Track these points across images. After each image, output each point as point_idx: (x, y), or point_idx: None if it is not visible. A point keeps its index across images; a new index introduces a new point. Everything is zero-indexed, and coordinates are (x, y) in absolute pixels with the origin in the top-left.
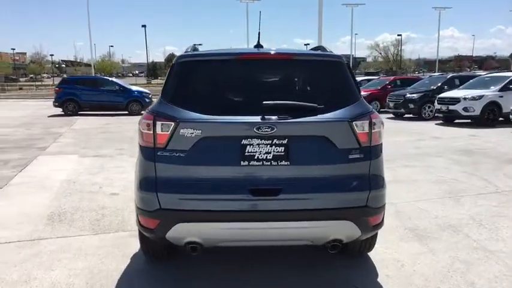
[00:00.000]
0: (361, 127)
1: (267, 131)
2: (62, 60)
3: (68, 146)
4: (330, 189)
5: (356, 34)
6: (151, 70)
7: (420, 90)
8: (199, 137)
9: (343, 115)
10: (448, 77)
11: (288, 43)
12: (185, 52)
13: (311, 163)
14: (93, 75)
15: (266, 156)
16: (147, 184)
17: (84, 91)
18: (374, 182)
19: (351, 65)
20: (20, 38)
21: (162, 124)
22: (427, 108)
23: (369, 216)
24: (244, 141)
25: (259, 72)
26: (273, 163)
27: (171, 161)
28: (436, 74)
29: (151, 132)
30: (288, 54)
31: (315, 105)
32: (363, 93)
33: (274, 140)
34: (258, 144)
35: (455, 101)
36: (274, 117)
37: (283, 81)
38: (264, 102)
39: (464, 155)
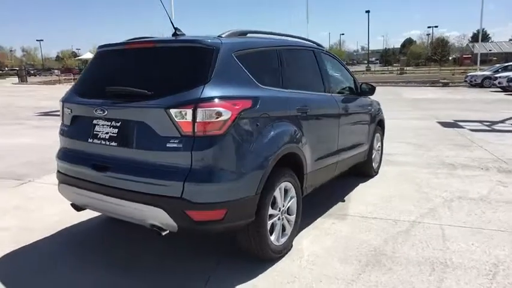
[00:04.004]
0: (181, 115)
1: (100, 113)
2: None
3: None
4: (144, 174)
5: None
6: None
7: None
8: (72, 115)
9: (164, 102)
10: None
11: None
12: None
13: (133, 146)
14: None
15: (105, 136)
16: (57, 152)
17: None
18: (195, 175)
19: None
20: None
21: (61, 104)
22: None
23: (187, 209)
24: (94, 122)
25: (129, 60)
26: (107, 143)
27: (63, 134)
28: None
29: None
30: (151, 42)
31: (144, 91)
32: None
33: (112, 122)
34: (103, 125)
35: None
36: (109, 102)
37: (143, 68)
38: (107, 88)
39: None
